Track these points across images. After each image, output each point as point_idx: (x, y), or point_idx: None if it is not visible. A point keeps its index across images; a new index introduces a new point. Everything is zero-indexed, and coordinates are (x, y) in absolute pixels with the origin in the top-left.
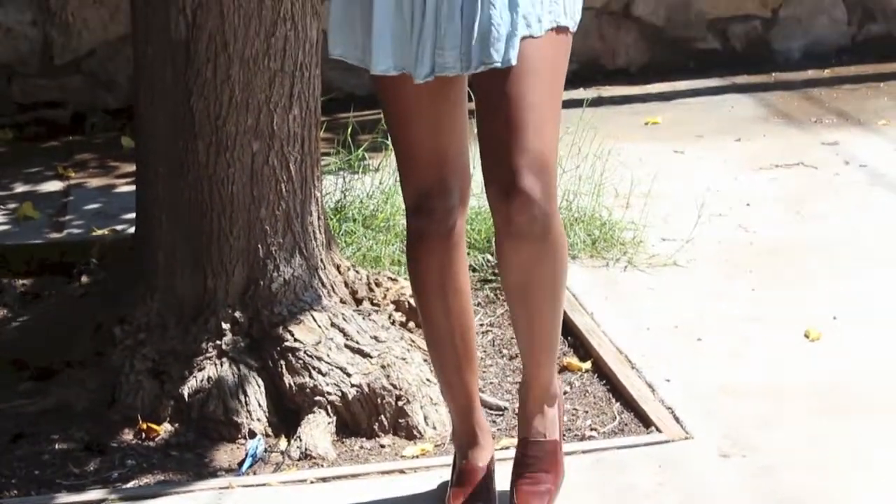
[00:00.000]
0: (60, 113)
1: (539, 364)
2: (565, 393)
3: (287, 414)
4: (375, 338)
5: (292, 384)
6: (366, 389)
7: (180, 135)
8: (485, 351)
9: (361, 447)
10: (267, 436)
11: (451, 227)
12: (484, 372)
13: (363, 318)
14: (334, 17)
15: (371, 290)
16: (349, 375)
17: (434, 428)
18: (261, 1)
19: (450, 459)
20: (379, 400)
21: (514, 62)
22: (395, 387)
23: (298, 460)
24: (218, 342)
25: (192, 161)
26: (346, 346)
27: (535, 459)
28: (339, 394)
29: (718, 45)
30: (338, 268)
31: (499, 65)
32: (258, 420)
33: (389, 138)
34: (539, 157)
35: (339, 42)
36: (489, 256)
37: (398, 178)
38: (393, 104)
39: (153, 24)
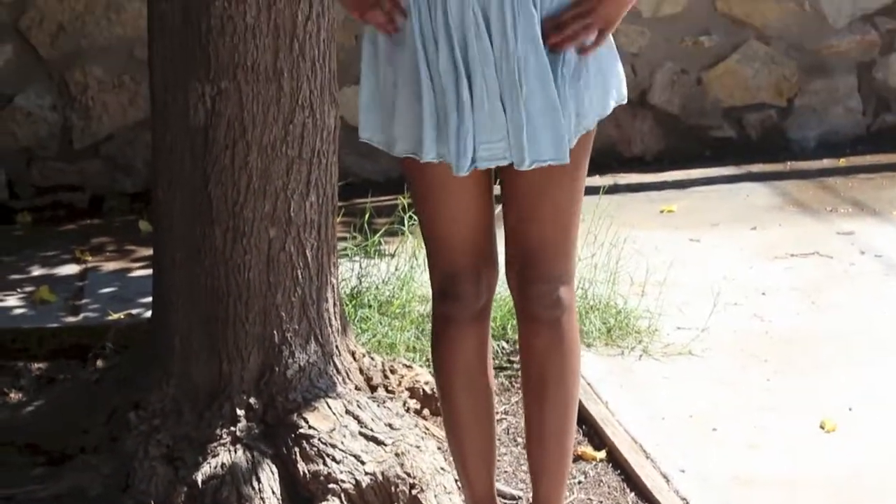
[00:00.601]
0: (78, 196)
1: (549, 480)
2: (579, 482)
3: (301, 501)
4: (390, 425)
5: (306, 471)
6: (380, 477)
7: (197, 221)
8: (499, 439)
9: None
10: None
11: (478, 313)
12: (498, 461)
13: (378, 406)
14: (362, 100)
15: (386, 376)
16: (363, 463)
17: None
18: (279, 89)
19: None
20: (393, 488)
21: (567, 160)
22: (409, 475)
23: None
24: (232, 428)
25: (208, 247)
26: (361, 433)
27: None
28: (353, 482)
29: (734, 133)
30: (353, 354)
31: (554, 163)
32: None
33: (418, 222)
34: (562, 248)
35: (366, 125)
36: (504, 343)
37: (421, 263)
38: (421, 189)
39: (172, 110)
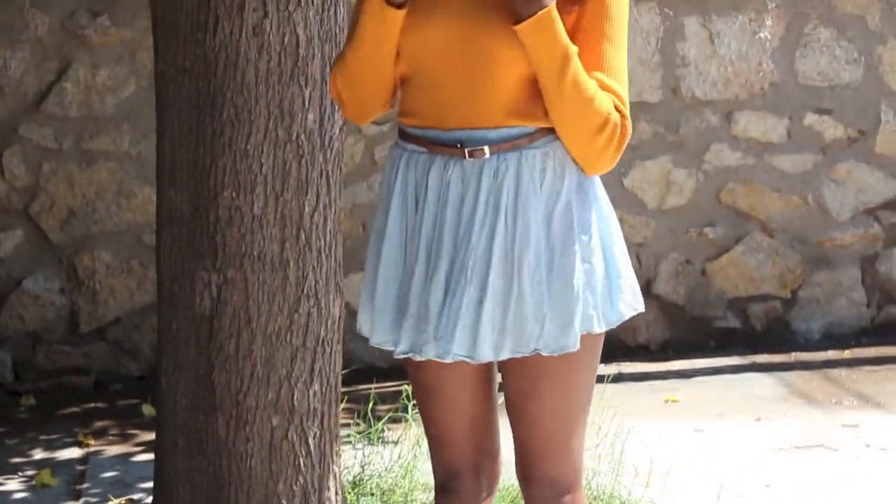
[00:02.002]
0: (83, 380)
1: None
2: None
3: None
4: None
5: None
6: None
7: (201, 408)
8: None
9: None
10: None
11: None
12: None
13: None
14: (361, 299)
15: None
16: None
17: None
18: (285, 278)
19: None
20: None
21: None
22: None
23: None
24: None
25: (211, 434)
26: None
27: None
28: None
29: (738, 324)
30: None
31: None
32: None
33: (420, 415)
34: (560, 452)
35: (362, 321)
36: None
37: (424, 451)
38: (420, 386)
39: (179, 298)
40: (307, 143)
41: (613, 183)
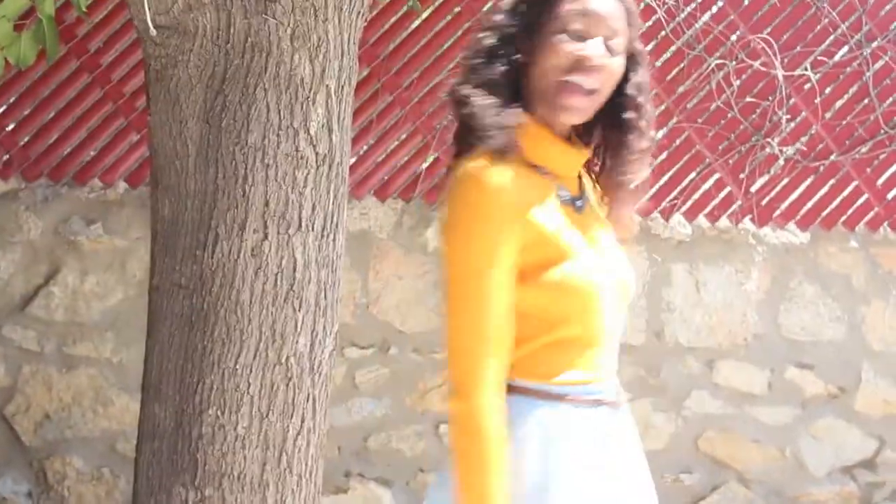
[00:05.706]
0: None
1: None
2: None
3: None
4: None
5: None
6: None
7: None
8: None
9: None
10: None
11: None
12: None
13: None
14: None
15: None
16: None
17: None
18: (263, 500)
19: None
20: None
21: None
22: None
23: None
24: None
25: None
26: None
27: None
28: None
29: None
30: None
31: None
32: None
33: None
34: None
35: None
36: None
37: None
38: None
39: None
40: (296, 367)
41: None
